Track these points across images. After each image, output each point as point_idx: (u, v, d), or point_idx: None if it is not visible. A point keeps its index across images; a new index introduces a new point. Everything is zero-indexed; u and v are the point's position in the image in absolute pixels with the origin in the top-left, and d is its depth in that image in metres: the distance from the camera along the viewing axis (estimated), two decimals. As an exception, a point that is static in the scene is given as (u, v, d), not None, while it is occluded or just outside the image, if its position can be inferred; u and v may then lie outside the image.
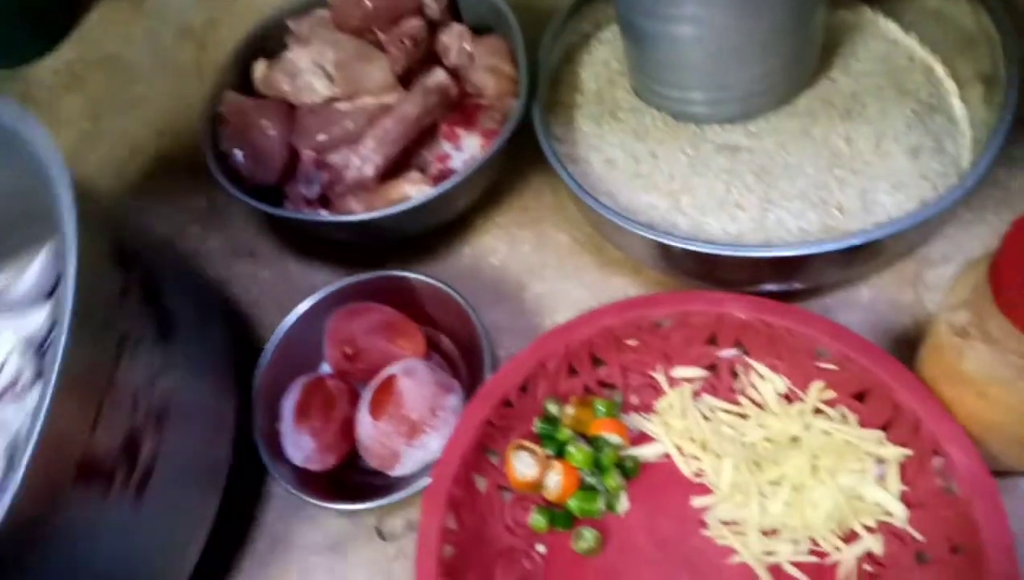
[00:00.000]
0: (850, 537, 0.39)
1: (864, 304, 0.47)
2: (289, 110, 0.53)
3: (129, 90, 0.73)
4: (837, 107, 0.49)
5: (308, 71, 0.51)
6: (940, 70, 0.51)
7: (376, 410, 0.44)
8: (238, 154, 0.53)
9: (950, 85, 0.50)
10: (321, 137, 0.51)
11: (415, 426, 0.44)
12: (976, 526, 0.35)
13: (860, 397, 0.41)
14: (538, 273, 0.54)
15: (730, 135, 0.49)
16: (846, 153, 0.47)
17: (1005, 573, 0.34)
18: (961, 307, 0.34)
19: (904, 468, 0.39)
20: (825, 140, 0.48)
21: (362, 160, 0.49)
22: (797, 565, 0.39)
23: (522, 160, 0.55)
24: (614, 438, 0.44)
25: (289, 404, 0.47)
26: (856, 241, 0.41)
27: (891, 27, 0.53)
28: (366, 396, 0.45)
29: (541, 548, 0.43)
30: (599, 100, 0.54)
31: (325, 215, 0.51)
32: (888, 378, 0.39)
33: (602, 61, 0.56)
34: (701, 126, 0.50)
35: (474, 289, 0.54)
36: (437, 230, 0.56)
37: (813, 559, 0.39)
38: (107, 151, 0.70)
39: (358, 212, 0.50)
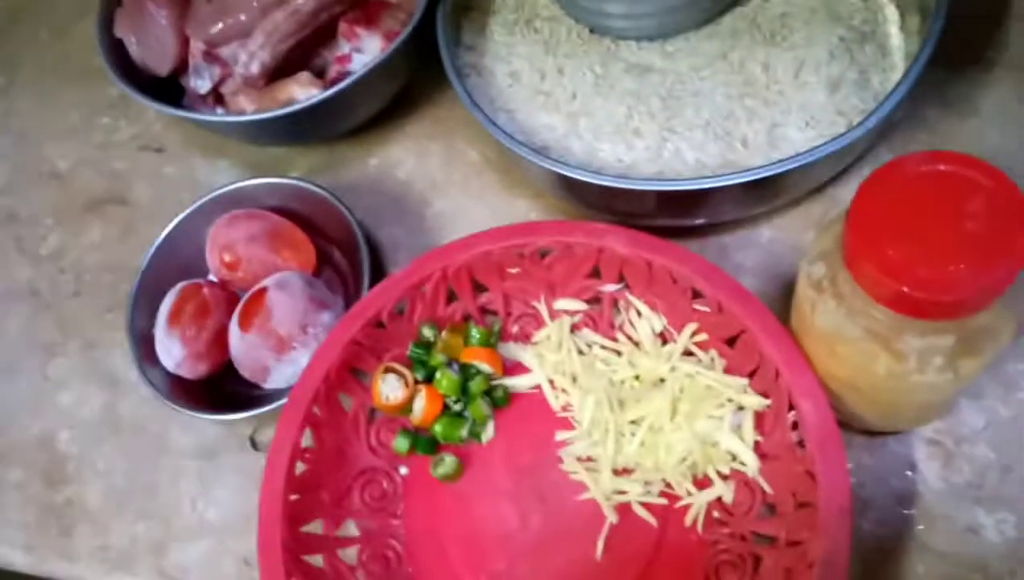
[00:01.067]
0: (702, 483, 0.39)
1: (763, 244, 0.45)
2: (185, -2, 0.50)
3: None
4: (763, 30, 0.46)
5: (203, -45, 0.48)
6: (883, -6, 0.47)
7: (244, 322, 0.43)
8: (131, 41, 0.50)
9: (891, 12, 0.46)
10: (213, 29, 0.48)
11: (283, 341, 0.43)
12: (816, 483, 0.34)
13: (731, 341, 0.39)
14: (443, 189, 0.52)
15: (644, 54, 0.46)
16: (761, 81, 0.44)
17: (835, 534, 0.33)
18: (820, 259, 0.32)
19: (762, 418, 0.38)
20: (742, 65, 0.45)
21: (249, 56, 0.46)
22: (646, 506, 0.39)
23: (439, 65, 0.52)
24: (485, 367, 0.42)
25: (164, 308, 0.46)
26: (744, 178, 0.38)
27: (841, -60, 0.49)
28: (238, 307, 0.44)
29: (403, 470, 0.43)
30: (518, 6, 0.50)
31: (203, 114, 0.49)
32: (755, 326, 0.37)
33: (528, -38, 0.52)
34: (616, 43, 0.47)
35: (376, 203, 0.52)
36: (347, 134, 0.53)
37: (663, 501, 0.39)
38: (28, 31, 0.67)
39: (248, 111, 0.48)
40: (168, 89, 0.52)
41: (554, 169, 0.40)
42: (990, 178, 0.28)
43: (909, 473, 0.39)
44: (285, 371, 0.44)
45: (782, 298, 0.44)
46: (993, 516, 0.37)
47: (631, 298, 0.42)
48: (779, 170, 0.38)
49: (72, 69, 0.64)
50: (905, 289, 0.27)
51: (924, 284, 0.27)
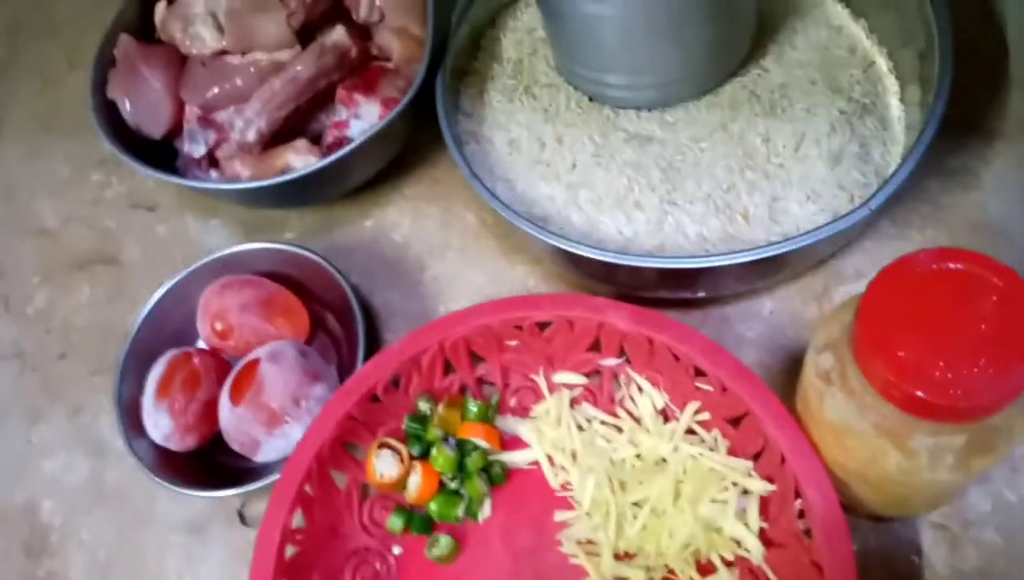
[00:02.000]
0: (706, 568, 0.38)
1: (764, 316, 0.45)
2: (181, 60, 0.49)
3: (49, 12, 0.69)
4: (762, 101, 0.45)
5: (199, 18, 0.47)
6: (883, 65, 0.47)
7: (235, 395, 0.42)
8: (125, 104, 0.50)
9: (890, 83, 0.46)
10: (209, 93, 0.47)
11: (275, 415, 0.42)
12: (823, 576, 0.33)
13: (735, 422, 0.39)
14: (439, 254, 0.51)
15: (644, 124, 0.46)
16: (762, 153, 0.44)
17: (844, 630, 0.32)
18: (827, 349, 0.32)
19: (767, 504, 0.37)
20: (742, 137, 0.44)
21: (245, 123, 0.45)
22: (649, 592, 0.38)
23: (437, 127, 0.51)
24: (482, 443, 0.42)
25: (153, 378, 0.45)
26: (746, 257, 0.38)
27: (839, 11, 0.49)
28: (229, 378, 0.43)
29: (397, 550, 0.42)
30: (517, 72, 0.50)
31: (197, 179, 0.48)
32: (759, 409, 0.36)
33: (527, 28, 0.52)
34: (616, 111, 0.47)
35: (371, 265, 0.51)
36: (343, 196, 0.53)
37: (666, 588, 0.38)
38: (18, 80, 0.66)
39: (244, 177, 0.47)
40: (161, 149, 0.52)
41: (555, 243, 0.40)
42: (1001, 277, 0.27)
43: (915, 558, 0.38)
44: (277, 444, 0.42)
45: (784, 372, 0.43)
46: (1002, 605, 0.36)
47: (632, 373, 0.41)
48: (781, 251, 0.37)
49: (63, 122, 0.63)
50: (918, 393, 0.26)
51: (937, 388, 0.26)
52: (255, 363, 0.42)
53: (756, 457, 0.38)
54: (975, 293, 0.27)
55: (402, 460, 0.41)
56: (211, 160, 0.50)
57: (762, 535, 0.37)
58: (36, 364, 0.53)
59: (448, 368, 0.43)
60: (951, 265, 0.28)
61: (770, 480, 0.37)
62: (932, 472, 0.30)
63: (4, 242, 0.59)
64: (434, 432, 0.42)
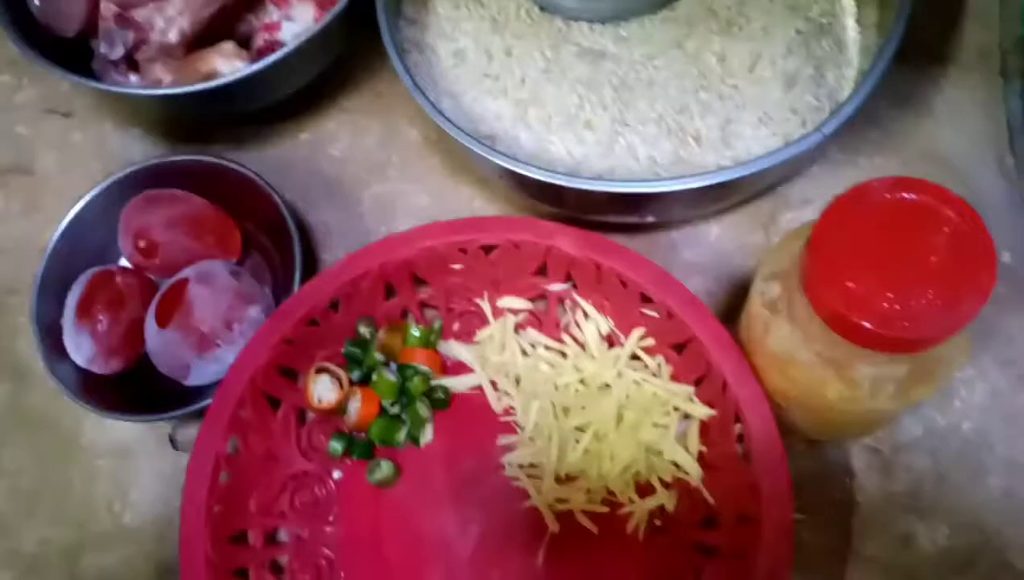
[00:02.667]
0: (645, 490, 0.38)
1: (711, 242, 0.44)
2: (94, -51, 0.45)
3: None
4: (719, 17, 0.44)
5: (113, -98, 0.43)
6: (842, -16, 0.45)
7: (162, 318, 0.40)
8: (33, -3, 0.45)
9: (848, 3, 0.45)
10: (126, -12, 0.43)
11: (205, 338, 0.40)
12: (760, 498, 0.34)
13: (680, 348, 0.39)
14: (380, 172, 0.49)
15: (597, 38, 0.44)
16: (716, 73, 0.42)
17: (777, 551, 0.33)
18: (775, 278, 0.31)
19: (707, 428, 0.37)
20: (697, 55, 0.43)
21: (167, 22, 0.41)
22: (588, 514, 0.38)
23: (379, 34, 0.48)
24: (424, 368, 0.41)
25: (73, 298, 0.42)
26: (697, 183, 0.37)
27: (802, -74, 0.47)
28: (155, 299, 0.41)
29: (336, 474, 0.41)
30: (465, -25, 0.47)
31: (114, 83, 0.44)
32: (704, 336, 0.36)
33: (475, -74, 0.48)
34: (568, 24, 0.44)
35: (308, 183, 0.49)
36: (273, 107, 0.49)
37: (604, 509, 0.38)
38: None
39: (166, 82, 0.44)
40: (75, 48, 0.47)
41: (504, 164, 0.38)
42: (954, 209, 0.27)
43: (848, 481, 0.39)
44: (208, 369, 0.41)
45: (729, 299, 0.43)
46: (927, 525, 0.38)
47: (578, 299, 0.41)
48: (732, 177, 0.36)
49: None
50: (866, 324, 0.26)
51: (885, 320, 0.26)
52: (183, 283, 0.40)
53: (698, 382, 0.38)
54: (927, 224, 0.27)
55: (341, 385, 0.40)
56: (131, 63, 0.46)
57: (701, 458, 0.37)
58: (-56, 281, 0.50)
59: (390, 292, 0.42)
60: (904, 195, 0.27)
61: (711, 405, 0.37)
62: (873, 401, 0.30)
63: (-98, 148, 0.54)
64: (375, 357, 0.41)
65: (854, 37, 0.44)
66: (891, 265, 0.27)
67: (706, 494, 0.37)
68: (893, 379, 0.29)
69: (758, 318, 0.32)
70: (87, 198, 0.44)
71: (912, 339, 0.26)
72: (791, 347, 0.30)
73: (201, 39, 0.43)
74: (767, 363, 0.33)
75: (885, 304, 0.26)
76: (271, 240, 0.46)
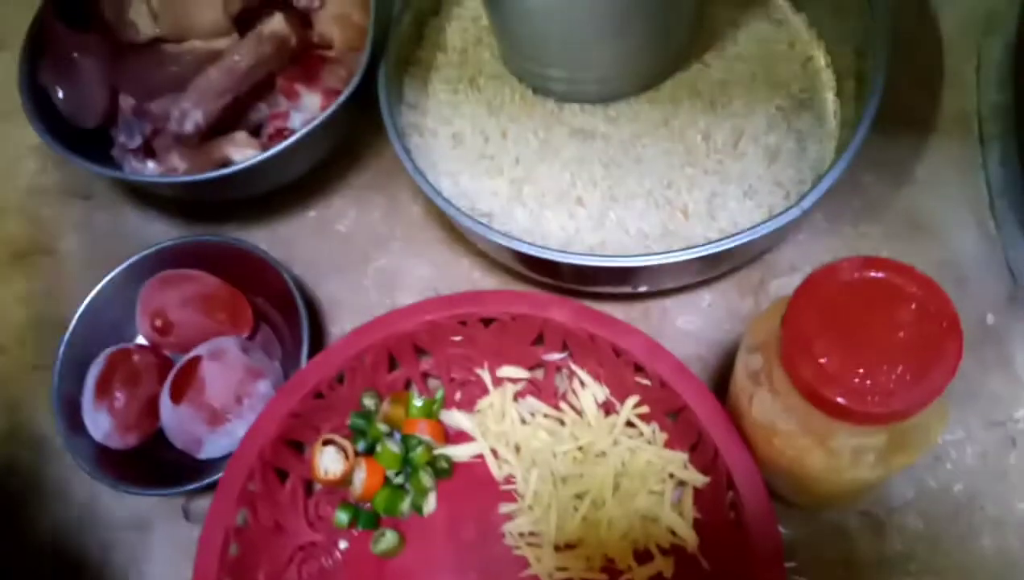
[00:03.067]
0: (644, 556, 0.39)
1: (703, 309, 0.46)
2: (115, 47, 0.48)
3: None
4: (703, 97, 0.46)
5: (133, 4, 0.46)
6: (820, 59, 0.47)
7: (176, 394, 0.42)
8: (58, 92, 0.48)
9: (827, 77, 0.47)
10: (143, 82, 0.46)
11: (216, 414, 0.42)
12: (754, 565, 0.35)
13: (674, 415, 0.40)
14: (385, 245, 0.51)
15: (588, 118, 0.46)
16: (702, 150, 0.44)
17: (772, 618, 0.34)
18: (757, 350, 0.32)
19: (701, 495, 0.38)
20: (682, 134, 0.45)
21: (182, 114, 0.44)
22: (588, 582, 0.39)
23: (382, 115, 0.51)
24: (427, 438, 0.42)
25: (92, 375, 0.44)
26: (684, 256, 0.38)
27: (780, 3, 0.49)
28: (169, 377, 0.43)
29: (343, 544, 0.42)
30: (462, 62, 0.49)
31: (132, 171, 0.47)
32: (694, 405, 0.37)
33: (472, 16, 0.51)
34: (560, 105, 0.47)
35: (315, 257, 0.51)
36: (284, 187, 0.52)
37: (603, 577, 0.39)
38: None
39: (181, 169, 0.46)
40: (96, 135, 0.50)
41: (499, 242, 0.40)
42: (920, 286, 0.28)
43: (842, 544, 0.40)
44: (220, 442, 0.42)
45: (720, 366, 0.44)
46: (923, 588, 0.38)
47: (574, 367, 0.42)
48: (717, 250, 0.38)
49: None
50: (838, 399, 0.27)
51: (856, 395, 0.27)
52: (196, 361, 0.42)
53: (692, 449, 0.39)
54: (894, 301, 0.28)
55: (347, 456, 0.41)
56: (148, 149, 0.48)
57: (696, 524, 0.38)
58: (-29, 359, 0.52)
59: (393, 363, 0.44)
60: (872, 274, 0.29)
61: (704, 472, 0.38)
62: (855, 470, 0.31)
63: (-67, 232, 0.57)
64: (379, 428, 0.42)
65: (834, 109, 0.46)
66: (861, 341, 0.28)
67: (702, 560, 0.37)
68: (873, 449, 0.30)
69: (743, 389, 0.33)
70: (105, 280, 0.46)
71: (884, 413, 0.27)
72: (773, 417, 0.32)
73: (215, 128, 0.46)
74: (754, 432, 0.34)
75: (856, 379, 0.27)
76: (281, 314, 0.48)
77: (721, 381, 0.43)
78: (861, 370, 0.28)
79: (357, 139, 0.53)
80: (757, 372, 0.32)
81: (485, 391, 0.44)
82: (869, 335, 0.28)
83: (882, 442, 0.30)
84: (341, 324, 0.49)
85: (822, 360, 0.28)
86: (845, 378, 0.27)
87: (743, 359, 0.33)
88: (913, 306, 0.28)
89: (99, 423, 0.43)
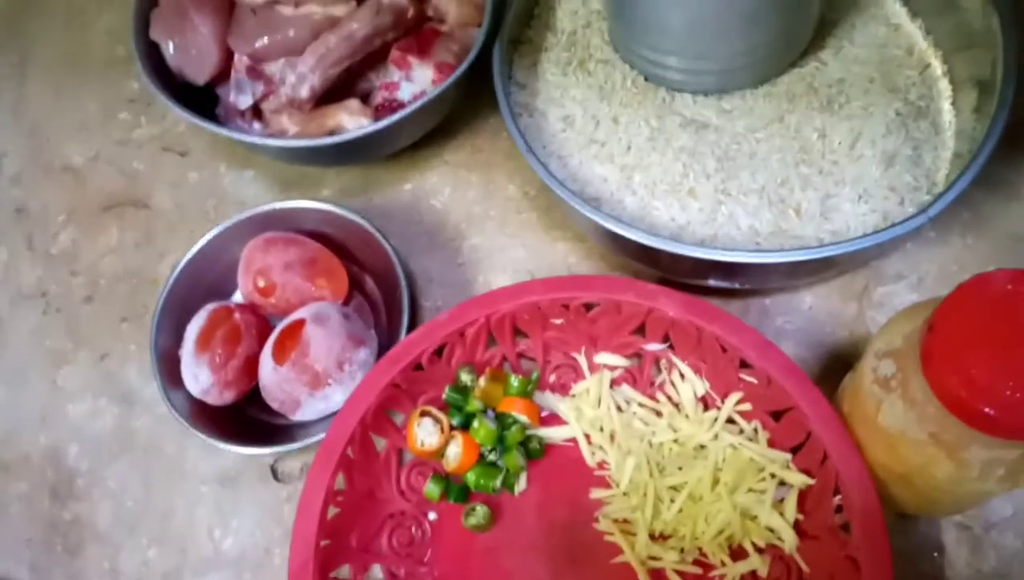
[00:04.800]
0: (738, 553, 0.39)
1: (804, 311, 0.45)
2: (231, 6, 0.48)
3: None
4: (819, 95, 0.45)
5: (253, -36, 0.46)
6: (938, 68, 0.47)
7: (279, 355, 0.42)
8: (169, 47, 0.48)
9: (944, 87, 0.46)
10: (259, 43, 0.46)
11: (318, 377, 0.42)
12: (860, 573, 0.34)
13: (777, 415, 0.40)
14: (479, 224, 0.51)
15: (701, 109, 0.46)
16: (817, 149, 0.44)
17: (877, 625, 0.33)
18: (889, 356, 0.32)
19: (803, 496, 0.38)
20: (798, 131, 0.44)
21: (298, 78, 0.44)
22: (680, 573, 0.39)
23: (484, 93, 0.50)
24: (522, 418, 0.42)
25: (193, 330, 0.44)
26: (802, 256, 0.38)
27: (898, 9, 0.49)
28: (272, 337, 0.43)
29: (432, 516, 0.42)
30: (571, 44, 0.49)
31: (245, 133, 0.47)
32: (805, 405, 0.37)
33: (582, -1, 0.51)
34: (672, 94, 0.46)
35: (410, 231, 0.51)
36: (382, 158, 0.52)
37: (697, 570, 0.39)
38: (44, 14, 0.64)
39: (290, 133, 0.46)
40: (195, 91, 0.50)
41: (609, 227, 0.40)
42: (1076, 304, 0.28)
43: (937, 556, 0.39)
44: (316, 406, 0.43)
45: (820, 367, 0.44)
46: (1019, 607, 0.38)
47: (675, 359, 0.42)
48: (836, 252, 0.38)
49: (91, 59, 0.61)
50: (989, 411, 0.27)
51: (1008, 407, 0.27)
52: (300, 324, 0.42)
53: (795, 450, 0.39)
54: (1049, 317, 0.28)
55: (443, 429, 0.41)
56: (255, 111, 0.49)
57: (797, 526, 0.38)
58: (60, 305, 0.53)
59: (491, 341, 0.44)
60: (1026, 288, 0.28)
61: (809, 474, 0.38)
62: (982, 483, 0.31)
63: (29, 179, 0.57)
64: (475, 403, 0.42)
65: (950, 120, 0.45)
66: (1013, 354, 0.28)
67: (800, 562, 0.37)
68: (1004, 463, 0.30)
69: (869, 394, 0.33)
70: (210, 235, 0.47)
71: (1034, 427, 0.27)
72: (903, 425, 0.31)
73: (327, 94, 0.46)
74: (874, 438, 0.34)
75: (1008, 392, 0.27)
76: (376, 284, 0.48)
77: (823, 385, 0.43)
78: (1012, 383, 0.27)
79: (457, 116, 0.53)
80: (888, 379, 0.32)
81: (580, 376, 0.44)
82: (1021, 349, 0.28)
83: (1015, 456, 0.30)
84: (433, 298, 0.49)
85: (973, 371, 0.28)
86: (997, 390, 0.27)
87: (871, 364, 0.33)
88: (1068, 323, 0.28)
89: (200, 378, 0.43)
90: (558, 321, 0.43)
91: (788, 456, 0.39)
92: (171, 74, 0.50)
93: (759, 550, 0.38)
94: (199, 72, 0.48)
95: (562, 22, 0.50)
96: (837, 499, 0.36)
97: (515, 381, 0.43)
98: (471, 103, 0.53)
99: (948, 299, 0.29)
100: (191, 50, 0.48)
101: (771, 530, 0.38)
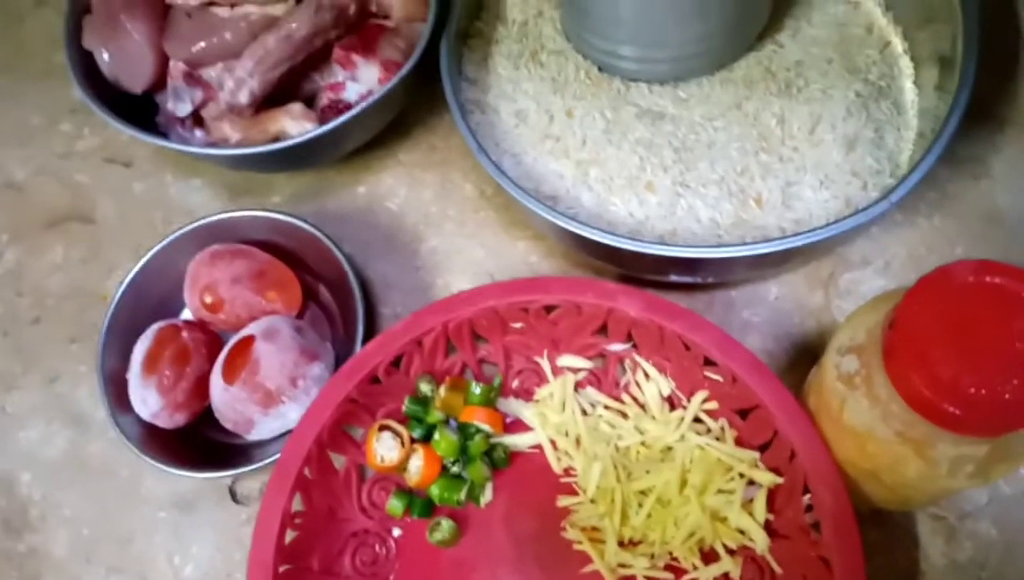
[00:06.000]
0: (709, 556, 0.38)
1: (770, 302, 0.44)
2: (164, 10, 0.46)
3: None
4: (778, 79, 0.44)
5: (184, -35, 0.44)
6: (898, 45, 0.46)
7: (229, 374, 0.40)
8: (103, 55, 0.46)
9: (905, 65, 0.45)
10: (195, 48, 0.44)
11: (271, 395, 0.40)
12: (832, 573, 0.34)
13: (744, 413, 0.38)
14: (437, 225, 0.49)
15: (656, 99, 0.44)
16: (776, 135, 0.43)
17: (851, 627, 0.33)
18: (851, 352, 0.31)
19: (774, 495, 0.37)
20: (757, 117, 0.43)
21: (237, 83, 0.42)
22: (651, 579, 0.38)
23: (436, 89, 0.48)
24: (485, 427, 0.41)
25: (139, 352, 0.43)
26: (762, 249, 0.37)
27: (855, -15, 0.47)
28: (221, 356, 0.41)
29: (397, 532, 0.41)
30: (522, 35, 0.48)
31: (186, 142, 0.45)
32: (772, 404, 0.36)
33: (532, -13, 0.49)
34: (627, 84, 0.45)
35: (365, 235, 0.49)
36: (332, 161, 0.50)
37: (668, 576, 0.38)
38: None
39: (233, 140, 0.45)
40: (138, 100, 0.48)
41: (569, 228, 0.38)
42: (1040, 294, 0.27)
43: (913, 550, 0.39)
44: (271, 424, 0.41)
45: (788, 359, 0.43)
46: (996, 597, 0.37)
47: (639, 359, 0.41)
48: (799, 243, 0.37)
49: (28, 65, 0.59)
50: (952, 409, 0.26)
51: (973, 406, 0.26)
52: (249, 340, 0.41)
53: (763, 448, 0.38)
54: (1011, 309, 0.27)
55: (403, 443, 0.40)
56: (196, 118, 0.47)
57: (767, 526, 0.37)
58: (7, 328, 0.51)
59: (450, 349, 0.42)
60: (988, 279, 0.27)
61: (777, 472, 0.37)
62: (951, 480, 0.30)
63: (-33, 195, 0.55)
64: (436, 414, 0.41)
65: (912, 99, 0.44)
66: (977, 350, 0.27)
67: (772, 563, 0.36)
68: (973, 459, 0.29)
69: (833, 392, 0.32)
70: (154, 250, 0.45)
71: (997, 425, 0.26)
72: (869, 423, 0.30)
73: (269, 98, 0.44)
74: (841, 436, 0.33)
75: (972, 389, 0.26)
76: (331, 293, 0.47)
77: (790, 376, 0.42)
78: (976, 379, 0.26)
79: (409, 114, 0.51)
80: (851, 375, 0.31)
81: (544, 380, 0.42)
82: (985, 344, 0.27)
83: (983, 452, 0.29)
84: (392, 305, 0.47)
85: (936, 369, 0.26)
86: (960, 388, 0.26)
87: (833, 360, 0.32)
88: (1032, 315, 0.27)
89: (148, 401, 0.42)
90: (518, 325, 0.42)
91: (756, 455, 0.38)
92: (109, 83, 0.48)
93: (730, 552, 0.37)
94: (135, 80, 0.46)
95: (512, 12, 0.48)
96: (807, 498, 0.35)
97: (477, 389, 0.41)
98: (424, 100, 0.51)
99: (909, 294, 0.28)
100: (126, 58, 0.46)
101: (742, 531, 0.37)
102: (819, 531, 0.35)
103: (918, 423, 0.28)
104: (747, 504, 0.37)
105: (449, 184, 0.50)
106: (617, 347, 0.41)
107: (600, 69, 0.45)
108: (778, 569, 0.36)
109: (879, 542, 0.38)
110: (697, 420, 0.40)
